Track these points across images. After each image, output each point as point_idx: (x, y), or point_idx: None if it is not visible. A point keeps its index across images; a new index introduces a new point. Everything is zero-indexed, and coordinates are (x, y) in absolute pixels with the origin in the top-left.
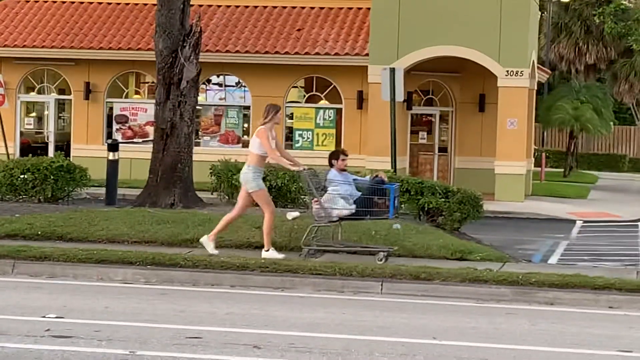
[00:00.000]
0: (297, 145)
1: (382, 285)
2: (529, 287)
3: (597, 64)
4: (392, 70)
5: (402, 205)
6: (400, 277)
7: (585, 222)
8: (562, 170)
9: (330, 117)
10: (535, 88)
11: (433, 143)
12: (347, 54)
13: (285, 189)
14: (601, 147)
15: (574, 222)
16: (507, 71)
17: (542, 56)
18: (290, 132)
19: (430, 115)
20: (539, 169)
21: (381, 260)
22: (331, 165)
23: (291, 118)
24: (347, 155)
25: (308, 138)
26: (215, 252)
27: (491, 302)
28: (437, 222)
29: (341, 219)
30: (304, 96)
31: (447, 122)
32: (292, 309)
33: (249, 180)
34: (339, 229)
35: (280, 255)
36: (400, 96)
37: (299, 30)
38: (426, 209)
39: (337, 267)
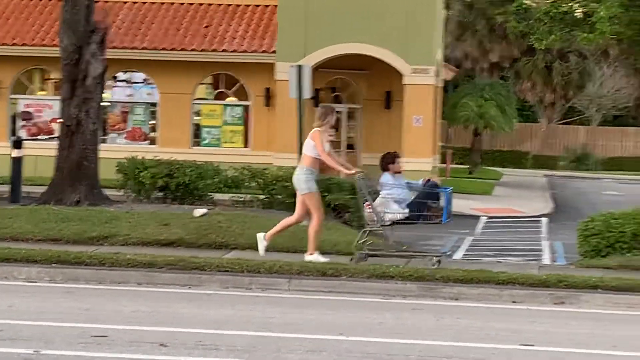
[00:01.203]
0: (204, 142)
1: (289, 281)
2: (435, 282)
3: (501, 62)
4: (300, 68)
5: None
6: (307, 274)
7: (489, 217)
8: (467, 167)
9: (238, 114)
10: (441, 86)
11: (340, 140)
12: (254, 51)
13: (192, 185)
14: (505, 144)
15: (478, 218)
16: (413, 69)
17: (447, 54)
18: (197, 129)
19: (338, 112)
20: (445, 165)
21: (434, 265)
22: (384, 168)
23: (199, 115)
24: (399, 158)
25: (216, 135)
26: (263, 254)
27: (397, 298)
28: (344, 219)
29: (394, 223)
30: (212, 93)
31: (355, 119)
32: (199, 306)
33: (301, 182)
34: (391, 233)
35: (325, 259)
36: (307, 93)
37: (206, 27)
38: (333, 205)
39: (245, 264)
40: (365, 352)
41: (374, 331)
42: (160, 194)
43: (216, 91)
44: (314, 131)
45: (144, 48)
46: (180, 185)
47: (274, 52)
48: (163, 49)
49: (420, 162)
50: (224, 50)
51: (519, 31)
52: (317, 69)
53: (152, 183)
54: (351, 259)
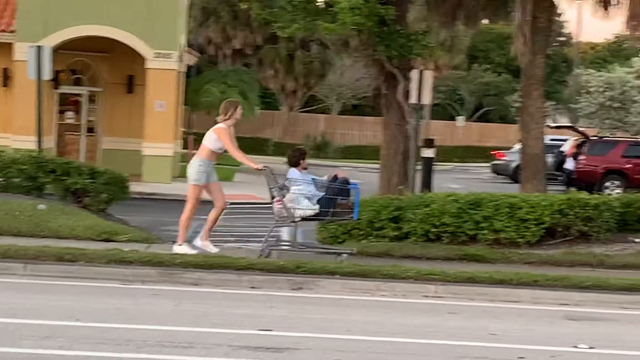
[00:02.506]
0: None
1: (25, 266)
2: (174, 267)
3: (244, 49)
4: (39, 49)
5: (47, 186)
6: (43, 258)
7: (230, 204)
8: None
9: None
10: (184, 71)
11: (81, 123)
12: None
13: None
14: (247, 131)
15: None
16: (156, 53)
17: (191, 40)
18: None
19: (79, 95)
20: (187, 151)
21: (342, 260)
22: (294, 164)
23: None
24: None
25: None
26: (216, 249)
27: (137, 283)
28: (83, 203)
29: (303, 219)
30: None
31: (96, 102)
32: None
33: (192, 172)
34: (297, 228)
35: (193, 251)
36: (47, 75)
37: None
38: (72, 190)
39: None
40: (102, 338)
41: (112, 317)
42: None
43: None
44: (219, 127)
45: None
46: None
47: (12, 31)
48: None
49: (162, 147)
50: None
51: (263, 19)
52: (58, 50)
53: None
54: (260, 255)
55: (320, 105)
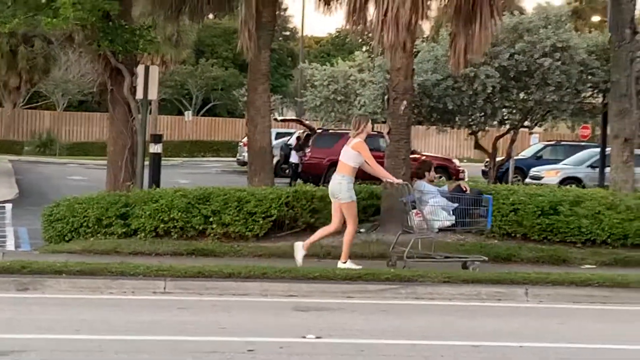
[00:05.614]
0: None
1: None
2: None
3: None
4: None
5: None
6: None
7: None
8: None
9: None
10: None
11: None
12: None
13: None
14: None
15: None
16: None
17: None
18: None
19: None
20: None
21: (475, 269)
22: (421, 176)
23: None
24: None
25: None
26: (300, 262)
27: None
28: None
29: (440, 230)
30: None
31: None
32: None
33: (343, 191)
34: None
35: (357, 266)
36: None
37: None
38: None
39: None
40: None
41: None
42: None
43: None
44: (358, 142)
45: None
46: None
47: None
48: None
49: None
50: None
51: None
52: None
53: None
54: (404, 266)
55: (46, 102)
